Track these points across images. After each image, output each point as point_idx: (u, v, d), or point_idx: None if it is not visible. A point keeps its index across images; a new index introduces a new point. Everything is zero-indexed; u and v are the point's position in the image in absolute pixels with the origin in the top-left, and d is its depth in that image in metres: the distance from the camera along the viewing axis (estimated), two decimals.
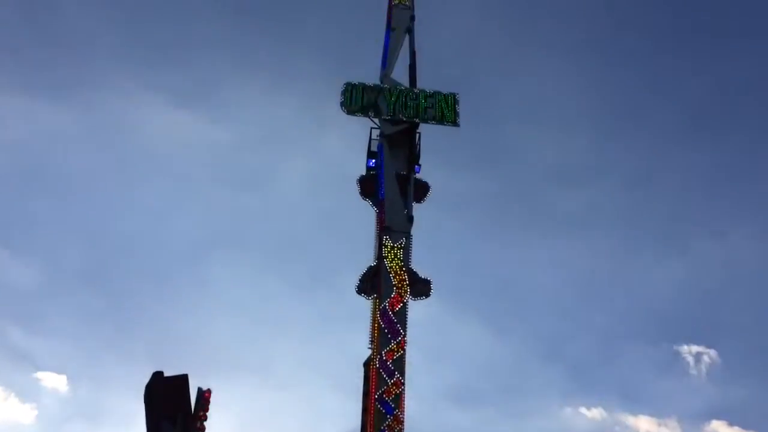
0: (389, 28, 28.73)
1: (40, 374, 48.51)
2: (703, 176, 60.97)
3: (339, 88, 26.14)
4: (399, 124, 25.65)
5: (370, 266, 23.86)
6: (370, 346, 22.71)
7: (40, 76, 57.93)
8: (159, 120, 57.35)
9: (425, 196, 25.38)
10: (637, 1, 67.40)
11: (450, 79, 29.28)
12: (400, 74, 27.61)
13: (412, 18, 28.98)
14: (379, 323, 22.38)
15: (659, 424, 49.81)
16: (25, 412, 49.74)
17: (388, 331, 22.20)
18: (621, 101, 64.02)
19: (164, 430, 16.18)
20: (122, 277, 52.24)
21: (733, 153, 61.83)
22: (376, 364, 21.86)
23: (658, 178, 60.66)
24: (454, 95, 26.36)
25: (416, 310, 23.18)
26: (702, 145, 63.04)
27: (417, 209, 24.82)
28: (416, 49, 28.21)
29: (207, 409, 16.82)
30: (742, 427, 50.05)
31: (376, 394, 21.41)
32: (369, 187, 25.40)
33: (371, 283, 23.43)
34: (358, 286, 23.43)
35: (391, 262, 23.24)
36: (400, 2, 29.45)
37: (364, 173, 25.85)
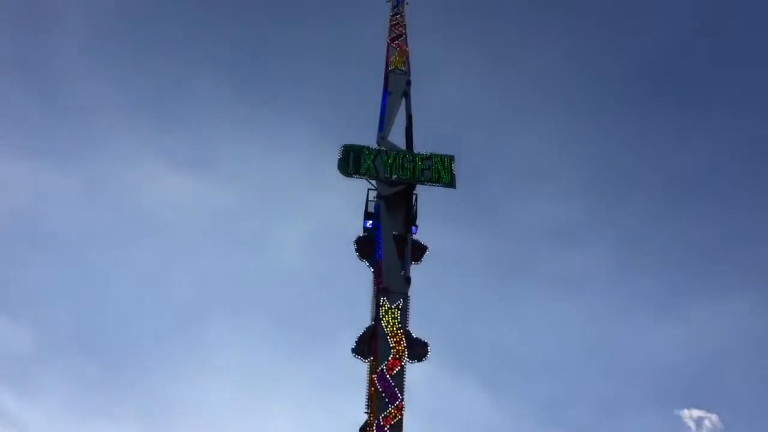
0: (386, 91, 29.32)
1: None
2: (699, 238, 61.19)
3: (336, 150, 26.50)
4: (396, 186, 25.87)
5: (367, 328, 23.56)
6: (366, 410, 22.21)
7: (43, 142, 58.70)
8: (158, 184, 57.88)
9: (422, 256, 25.35)
10: (630, 68, 68.97)
11: (445, 142, 29.72)
12: (396, 137, 28.10)
13: (408, 83, 29.75)
14: (376, 387, 21.94)
15: None
16: None
17: (386, 395, 21.74)
18: (615, 164, 64.86)
19: None
20: (116, 341, 51.71)
21: (730, 216, 62.19)
22: (373, 430, 21.34)
23: (654, 239, 60.84)
24: (450, 157, 26.67)
25: (413, 372, 22.81)
26: (697, 208, 63.53)
27: (414, 270, 24.77)
28: (412, 112, 28.76)
29: None
30: None
31: None
32: (366, 248, 25.38)
33: (368, 345, 23.09)
34: (355, 348, 23.08)
35: (388, 324, 22.97)
36: (396, 67, 30.21)
37: (361, 234, 25.87)
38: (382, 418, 21.38)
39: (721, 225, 61.32)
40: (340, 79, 63.95)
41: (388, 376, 22.06)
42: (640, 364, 53.81)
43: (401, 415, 21.56)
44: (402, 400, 21.78)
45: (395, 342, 22.66)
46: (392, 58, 30.72)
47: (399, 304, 23.36)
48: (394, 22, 32.86)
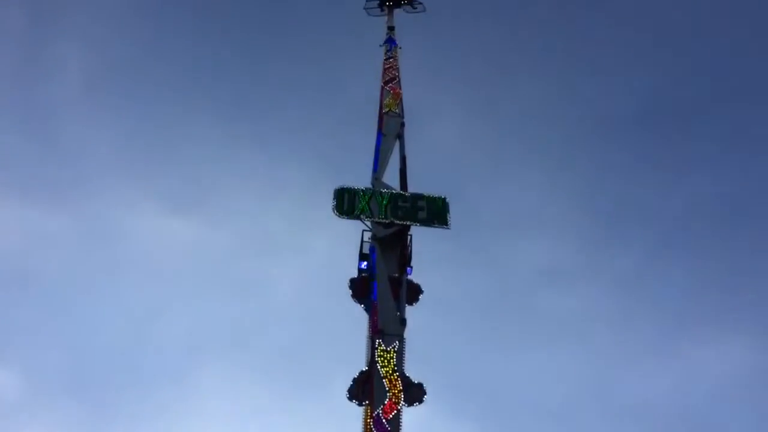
0: (380, 133, 29.52)
1: None
2: (694, 279, 61.17)
3: (330, 192, 26.47)
4: (391, 227, 25.80)
5: (362, 371, 23.21)
6: None
7: (36, 184, 58.72)
8: (151, 227, 57.77)
9: (418, 298, 25.15)
10: (620, 110, 69.82)
11: (440, 183, 29.91)
12: (391, 178, 28.14)
13: (402, 124, 30.00)
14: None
15: None
16: None
17: None
18: (609, 205, 65.07)
19: None
20: (107, 386, 50.86)
21: (725, 257, 62.18)
22: None
23: (649, 280, 60.79)
24: (444, 198, 26.73)
25: (410, 416, 22.41)
26: (692, 248, 63.54)
27: (409, 312, 24.54)
28: (406, 154, 28.90)
29: None
30: None
31: None
32: (361, 289, 25.19)
33: (363, 388, 22.72)
34: (350, 393, 22.71)
35: (384, 367, 22.65)
36: (390, 110, 30.51)
37: (355, 276, 25.70)
38: None
39: (717, 265, 61.34)
40: (334, 120, 64.58)
41: (384, 420, 21.66)
42: (638, 406, 53.18)
43: None
44: None
45: (391, 385, 22.31)
46: (386, 101, 31.06)
47: (395, 347, 23.08)
48: (388, 66, 33.34)
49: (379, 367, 22.61)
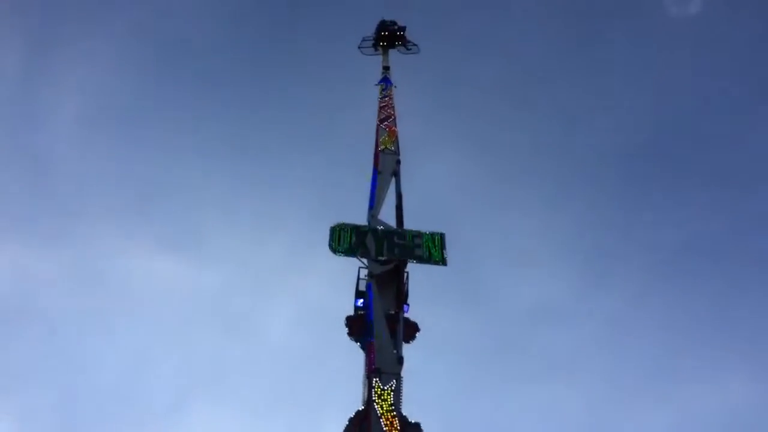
0: (376, 170, 29.57)
1: None
2: (686, 316, 61.07)
3: (325, 229, 26.42)
4: (387, 264, 25.66)
5: (358, 410, 22.84)
6: None
7: (29, 225, 58.49)
8: (144, 266, 57.44)
9: (414, 336, 24.90)
10: (612, 149, 70.46)
11: (434, 221, 29.81)
12: (387, 215, 28.14)
13: (398, 162, 30.09)
14: None
15: None
16: None
17: None
18: (601, 243, 65.29)
19: None
20: (98, 426, 50.10)
21: (716, 294, 62.24)
22: None
23: (641, 318, 60.70)
24: (441, 235, 26.63)
25: None
26: (683, 285, 63.66)
27: (406, 349, 24.27)
28: (402, 191, 28.95)
29: None
30: None
31: None
32: (357, 327, 24.92)
33: (359, 428, 22.34)
34: None
35: (381, 406, 22.31)
36: (386, 147, 30.68)
37: (351, 313, 25.46)
38: None
39: (708, 303, 61.38)
40: (329, 158, 64.84)
41: None
42: None
43: None
44: None
45: (388, 425, 21.94)
46: (382, 139, 31.25)
47: (392, 386, 22.75)
48: (383, 104, 33.68)
49: (376, 406, 22.27)
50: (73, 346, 53.77)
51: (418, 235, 26.45)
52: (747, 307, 59.54)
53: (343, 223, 26.47)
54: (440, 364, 51.21)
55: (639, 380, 57.04)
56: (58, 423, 50.23)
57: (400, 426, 22.03)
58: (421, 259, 25.97)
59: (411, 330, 24.88)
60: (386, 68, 36.91)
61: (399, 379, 23.09)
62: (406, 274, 25.88)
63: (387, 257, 25.71)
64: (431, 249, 26.16)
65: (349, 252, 25.89)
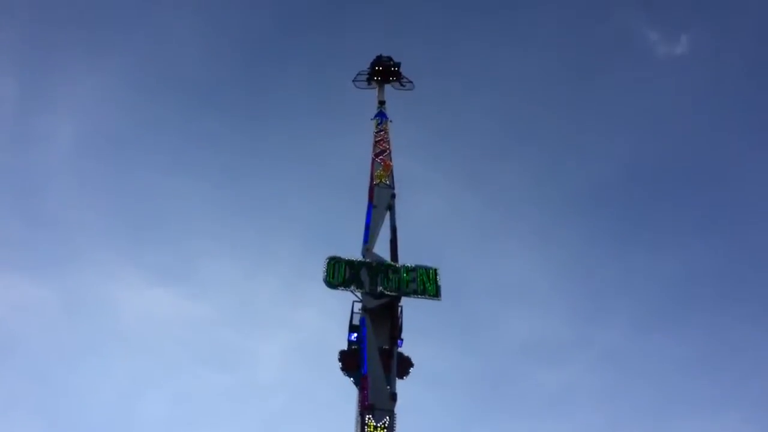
0: (371, 204, 29.57)
1: None
2: (680, 354, 60.75)
3: (318, 262, 26.29)
4: (381, 298, 25.52)
5: None
6: None
7: (22, 254, 58.20)
8: (137, 298, 57.09)
9: (408, 371, 24.68)
10: (604, 185, 70.80)
11: (430, 255, 29.76)
12: (381, 249, 28.03)
13: (393, 196, 30.08)
14: None
15: None
16: None
17: None
18: (595, 279, 65.21)
19: None
20: None
21: (712, 331, 62.08)
22: None
23: (635, 355, 60.47)
24: (435, 269, 26.53)
25: None
26: (678, 323, 63.52)
27: (400, 385, 24.02)
28: (396, 224, 28.91)
29: None
30: None
31: None
32: (350, 362, 24.72)
33: None
34: None
35: None
36: (381, 181, 30.69)
37: (344, 348, 25.26)
38: None
39: (705, 338, 61.17)
40: (324, 192, 64.95)
41: None
42: None
43: None
44: None
45: None
46: (377, 173, 31.30)
47: (385, 422, 22.48)
48: (379, 138, 33.80)
49: None
50: (62, 378, 53.11)
51: (413, 269, 26.35)
52: (746, 343, 59.41)
53: (338, 257, 26.39)
54: (434, 399, 50.81)
55: (633, 417, 56.59)
56: None
57: None
58: (415, 293, 25.85)
59: (405, 365, 24.68)
60: (381, 102, 37.14)
61: (392, 415, 22.83)
62: (400, 308, 25.77)
63: (381, 291, 25.58)
64: (426, 283, 26.05)
65: (344, 285, 25.75)
